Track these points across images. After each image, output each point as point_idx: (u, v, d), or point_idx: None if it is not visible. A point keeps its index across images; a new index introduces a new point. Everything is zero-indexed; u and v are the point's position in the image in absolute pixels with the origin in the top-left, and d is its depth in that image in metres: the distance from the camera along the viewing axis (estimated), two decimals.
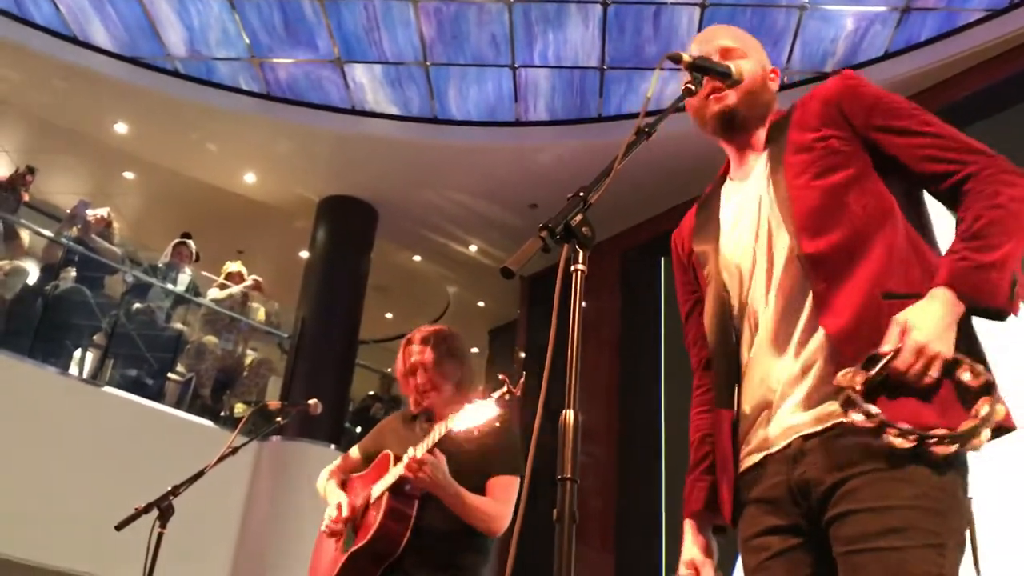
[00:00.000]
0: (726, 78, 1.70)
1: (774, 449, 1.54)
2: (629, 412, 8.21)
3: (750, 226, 1.66)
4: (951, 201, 1.55)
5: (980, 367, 1.38)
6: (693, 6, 6.77)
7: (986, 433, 1.34)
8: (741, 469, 1.60)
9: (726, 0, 6.69)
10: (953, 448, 1.33)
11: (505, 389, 2.47)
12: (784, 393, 1.54)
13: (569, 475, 1.21)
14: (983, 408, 1.34)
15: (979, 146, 1.56)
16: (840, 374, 1.39)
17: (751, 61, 1.76)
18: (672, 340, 8.16)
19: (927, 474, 1.38)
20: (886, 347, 1.38)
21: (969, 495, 1.44)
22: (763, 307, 1.60)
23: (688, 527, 1.73)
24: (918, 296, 1.44)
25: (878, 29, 6.80)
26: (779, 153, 1.65)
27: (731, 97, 1.71)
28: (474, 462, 2.66)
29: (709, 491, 1.70)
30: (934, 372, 1.37)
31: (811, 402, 1.50)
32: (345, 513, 2.74)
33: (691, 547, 1.71)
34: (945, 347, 1.38)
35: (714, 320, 1.69)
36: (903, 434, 1.34)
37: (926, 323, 1.39)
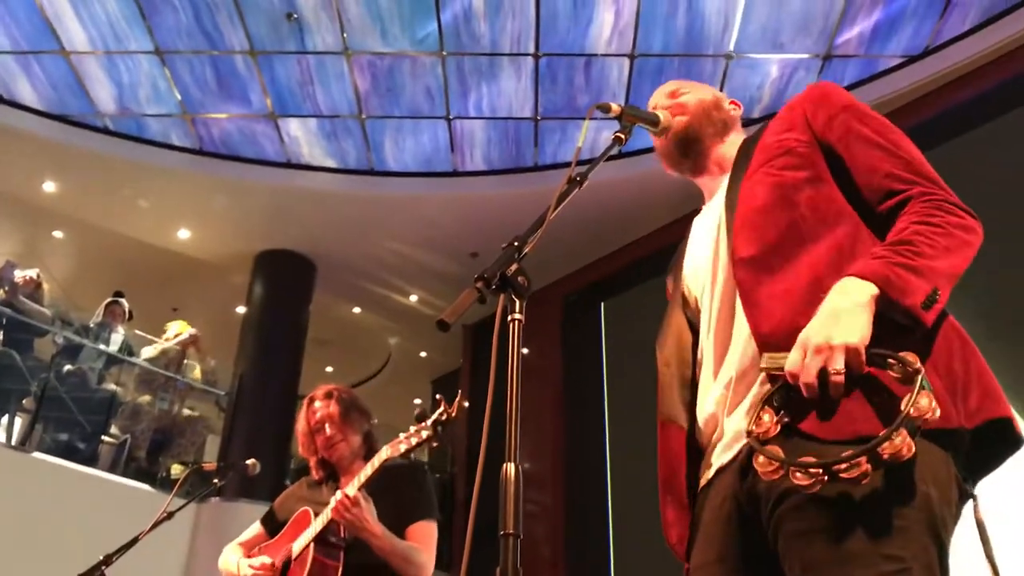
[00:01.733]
0: (654, 125, 1.74)
1: (724, 461, 1.47)
2: (575, 458, 8.18)
3: (709, 242, 1.66)
4: (888, 222, 1.45)
5: (906, 355, 1.23)
6: (622, 57, 6.92)
7: (902, 438, 1.15)
8: (700, 486, 1.54)
9: (654, 51, 6.85)
10: (866, 469, 1.16)
11: (441, 410, 2.44)
12: (729, 402, 1.48)
13: (512, 530, 1.19)
14: (903, 405, 1.17)
15: (934, 175, 1.49)
16: (749, 417, 1.31)
17: (697, 92, 1.81)
18: (615, 383, 8.19)
19: (890, 486, 1.23)
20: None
21: (975, 492, 1.31)
22: (713, 316, 1.58)
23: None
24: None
25: (802, 75, 7.01)
26: (743, 163, 1.65)
27: (683, 117, 1.77)
28: (391, 511, 2.60)
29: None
30: (835, 365, 1.23)
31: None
32: (270, 563, 2.63)
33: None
34: (841, 334, 1.24)
35: (670, 340, 1.68)
36: (805, 471, 1.20)
37: (819, 319, 1.28)
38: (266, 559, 2.66)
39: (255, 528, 2.95)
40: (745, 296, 1.45)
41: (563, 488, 8.09)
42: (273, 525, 2.88)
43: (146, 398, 7.63)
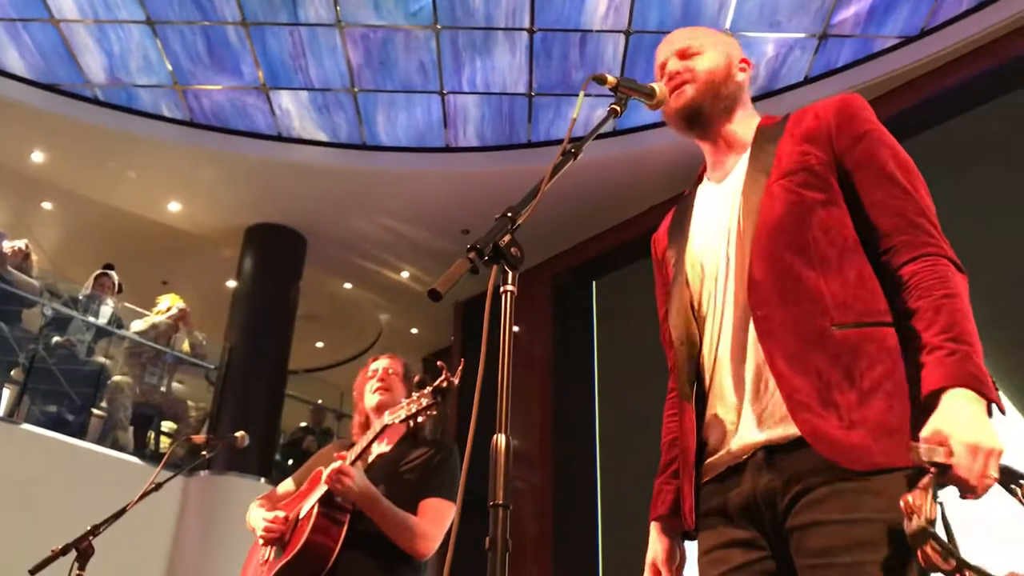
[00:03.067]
0: (649, 98, 1.72)
1: (737, 462, 1.52)
2: (564, 436, 8.20)
3: (722, 229, 1.66)
4: (887, 264, 1.51)
5: None
6: (618, 33, 6.87)
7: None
8: (704, 479, 1.58)
9: (650, 27, 6.80)
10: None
11: (443, 377, 2.43)
12: (744, 408, 1.52)
13: (501, 501, 1.18)
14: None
15: (936, 221, 1.54)
16: (905, 497, 1.30)
17: (709, 55, 1.77)
18: (605, 363, 8.20)
19: (894, 486, 1.35)
20: (933, 456, 1.31)
21: (939, 499, 1.40)
22: (727, 315, 1.60)
23: (653, 529, 1.73)
24: (872, 325, 1.44)
25: (798, 55, 6.98)
26: (764, 163, 1.64)
27: (688, 91, 1.73)
28: (412, 486, 2.61)
29: (676, 495, 1.68)
30: (993, 472, 1.30)
31: (773, 419, 1.48)
32: (281, 524, 2.65)
33: (652, 549, 1.71)
34: (995, 443, 1.30)
35: (679, 319, 1.68)
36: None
37: (964, 422, 1.32)
38: (280, 513, 2.67)
39: (287, 484, 2.97)
40: (758, 323, 1.51)
41: (551, 466, 8.11)
42: (300, 485, 2.88)
43: (125, 378, 7.58)
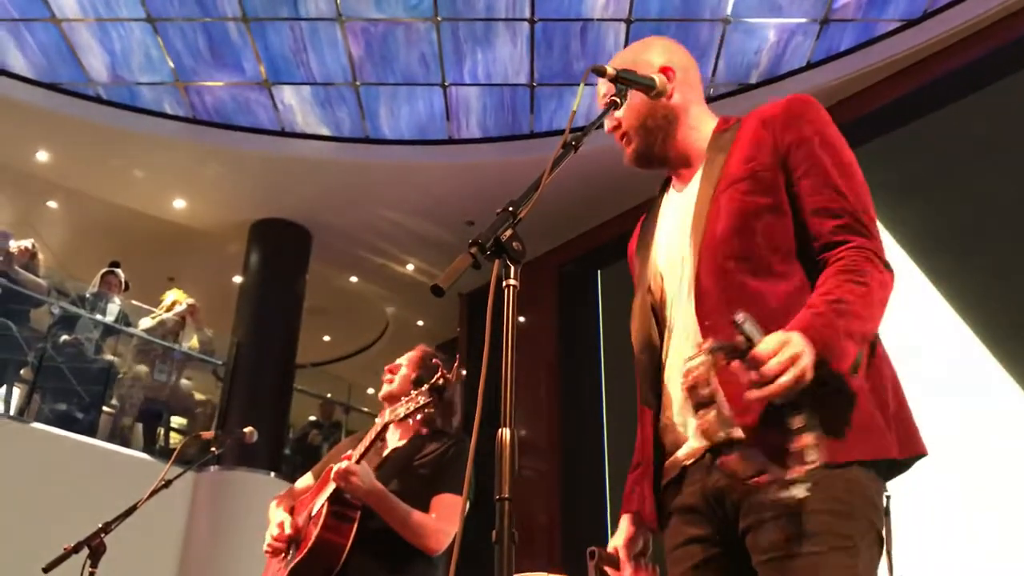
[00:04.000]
0: (649, 89, 1.71)
1: (690, 461, 1.57)
2: (571, 427, 8.21)
3: (678, 239, 1.68)
4: (824, 260, 1.52)
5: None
6: (619, 22, 6.86)
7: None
8: (664, 480, 1.62)
9: (651, 16, 6.78)
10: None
11: (439, 375, 2.44)
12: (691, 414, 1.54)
13: (507, 495, 1.19)
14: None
15: (873, 217, 1.56)
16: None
17: (630, 99, 1.72)
18: (612, 352, 8.21)
19: (835, 478, 1.39)
20: (748, 328, 1.36)
21: (887, 493, 1.47)
22: (679, 324, 1.63)
23: (623, 519, 1.77)
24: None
25: (800, 40, 6.96)
26: (713, 174, 1.65)
27: (628, 149, 1.77)
28: (425, 480, 2.61)
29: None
30: (791, 373, 1.30)
31: (722, 415, 1.47)
32: (288, 531, 2.66)
33: (619, 534, 1.76)
34: (808, 360, 1.32)
35: (639, 325, 1.71)
36: (784, 485, 1.31)
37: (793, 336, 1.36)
38: (287, 519, 2.69)
39: (306, 478, 2.97)
40: (704, 333, 1.52)
41: (559, 456, 8.12)
42: (319, 476, 2.89)
43: (142, 368, 7.64)
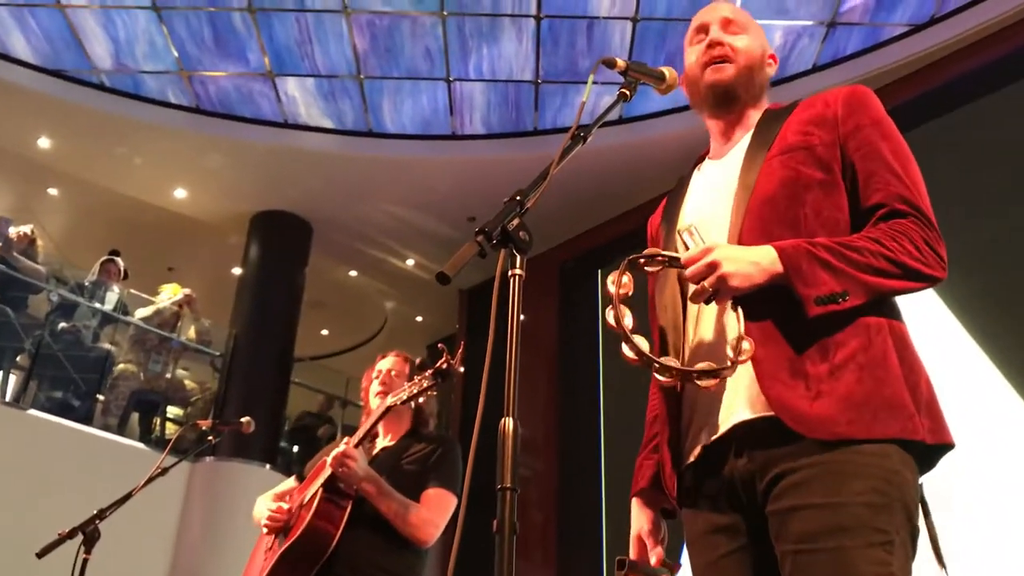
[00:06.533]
0: (659, 81, 1.70)
1: (715, 437, 1.51)
2: (569, 424, 8.20)
3: (717, 201, 1.64)
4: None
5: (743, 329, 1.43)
6: (625, 20, 6.84)
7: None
8: (688, 460, 1.57)
9: (657, 14, 6.77)
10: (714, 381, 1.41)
11: (443, 359, 2.44)
12: (724, 383, 1.50)
13: (509, 484, 1.17)
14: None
15: (926, 203, 1.54)
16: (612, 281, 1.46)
17: (750, 39, 1.75)
18: (611, 351, 8.19)
19: (875, 467, 1.35)
20: (686, 236, 1.49)
21: (920, 481, 1.43)
22: None
23: (634, 504, 1.73)
24: (851, 312, 1.43)
25: (806, 43, 6.94)
26: (765, 139, 1.63)
27: (728, 70, 1.71)
28: (414, 477, 2.64)
29: (656, 470, 1.68)
30: (707, 283, 1.41)
31: (750, 392, 1.47)
32: (287, 507, 2.68)
33: (637, 522, 1.71)
34: (738, 277, 1.41)
35: (665, 305, 1.66)
36: (665, 371, 1.42)
37: (735, 252, 1.44)
38: (283, 504, 2.70)
39: (290, 481, 2.99)
40: (737, 301, 1.49)
41: (556, 453, 8.11)
42: (303, 476, 2.91)
43: (129, 366, 7.59)
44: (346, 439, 2.65)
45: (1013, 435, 5.19)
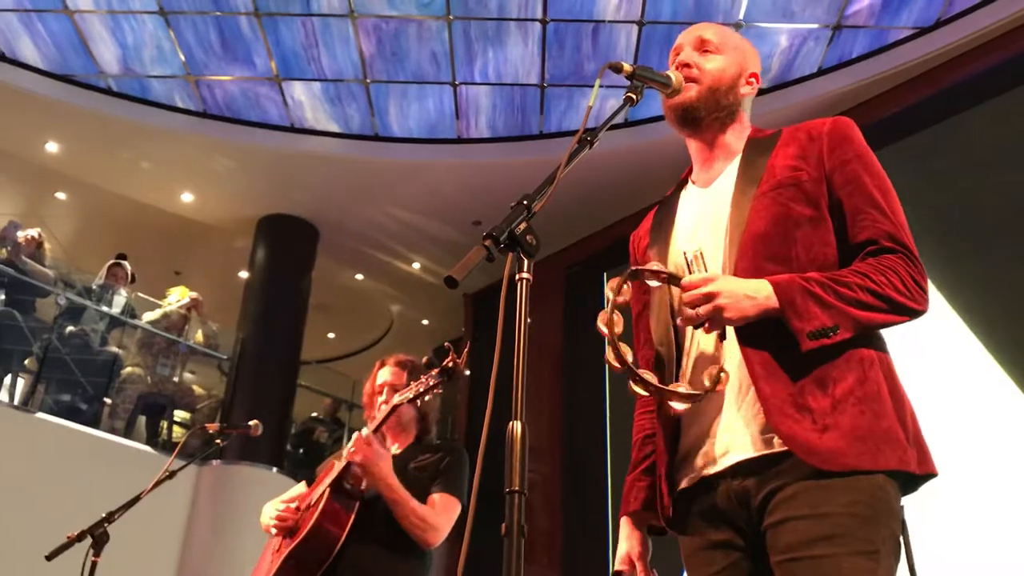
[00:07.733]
0: (666, 87, 1.71)
1: (714, 471, 1.55)
2: (574, 429, 8.20)
3: (706, 234, 1.67)
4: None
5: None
6: (631, 24, 6.85)
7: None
8: (682, 486, 1.60)
9: (663, 18, 6.77)
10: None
11: (449, 358, 2.44)
12: (724, 413, 1.55)
13: (517, 487, 1.18)
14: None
15: (910, 239, 1.58)
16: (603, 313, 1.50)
17: (721, 59, 1.77)
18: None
19: (861, 483, 1.41)
20: (692, 260, 1.54)
21: (902, 503, 1.47)
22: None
23: (624, 524, 1.75)
24: (843, 345, 1.47)
25: (811, 46, 6.94)
26: (753, 175, 1.66)
27: (691, 91, 1.73)
28: (421, 483, 2.65)
29: (648, 492, 1.72)
30: (702, 311, 1.46)
31: (749, 429, 1.52)
32: (292, 509, 2.68)
33: (626, 542, 1.73)
34: (732, 311, 1.45)
35: (659, 320, 1.70)
36: (642, 384, 1.46)
37: (733, 284, 1.48)
38: (292, 504, 2.71)
39: (300, 487, 2.98)
40: (739, 330, 1.53)
41: (562, 458, 8.11)
42: (312, 482, 2.91)
43: (137, 370, 7.60)
44: (356, 434, 2.66)
45: (1013, 436, 5.18)
